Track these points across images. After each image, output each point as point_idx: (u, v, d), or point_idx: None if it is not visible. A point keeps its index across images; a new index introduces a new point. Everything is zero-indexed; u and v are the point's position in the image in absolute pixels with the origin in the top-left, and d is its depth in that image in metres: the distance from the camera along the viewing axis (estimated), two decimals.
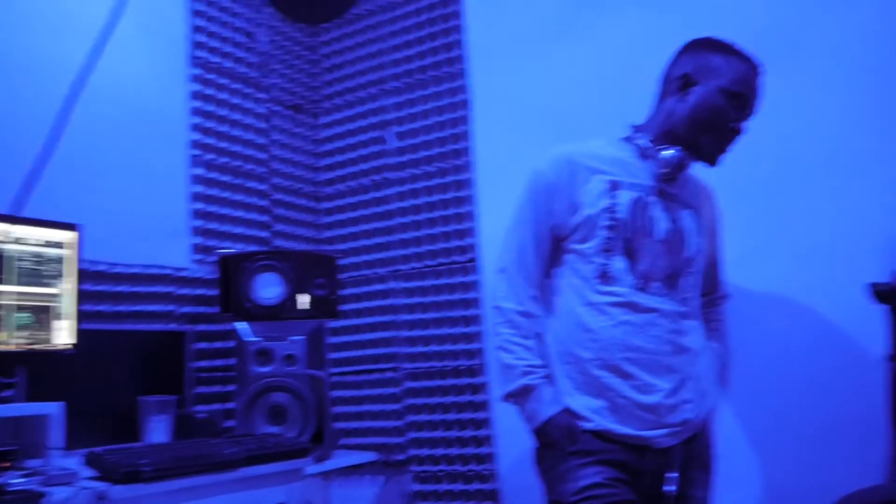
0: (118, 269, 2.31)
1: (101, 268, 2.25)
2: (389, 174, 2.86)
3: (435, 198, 2.74)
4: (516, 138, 2.58)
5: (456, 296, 2.65)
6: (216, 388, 2.52)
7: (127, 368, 2.20)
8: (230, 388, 2.54)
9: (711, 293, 1.86)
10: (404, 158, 2.83)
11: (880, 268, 1.94)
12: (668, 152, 1.60)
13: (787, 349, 2.05)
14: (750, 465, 2.10)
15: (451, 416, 2.62)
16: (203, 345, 2.52)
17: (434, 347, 2.68)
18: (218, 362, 2.55)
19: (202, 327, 2.52)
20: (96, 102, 2.31)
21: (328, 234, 3.03)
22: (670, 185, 1.65)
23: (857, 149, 2.00)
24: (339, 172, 3.01)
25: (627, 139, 1.70)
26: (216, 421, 2.20)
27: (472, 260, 2.64)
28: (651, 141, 1.65)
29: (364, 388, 2.82)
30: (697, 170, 1.74)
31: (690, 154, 1.63)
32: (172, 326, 2.41)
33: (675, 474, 1.52)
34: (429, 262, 2.73)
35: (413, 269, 2.76)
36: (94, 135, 2.29)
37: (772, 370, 2.07)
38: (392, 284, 2.81)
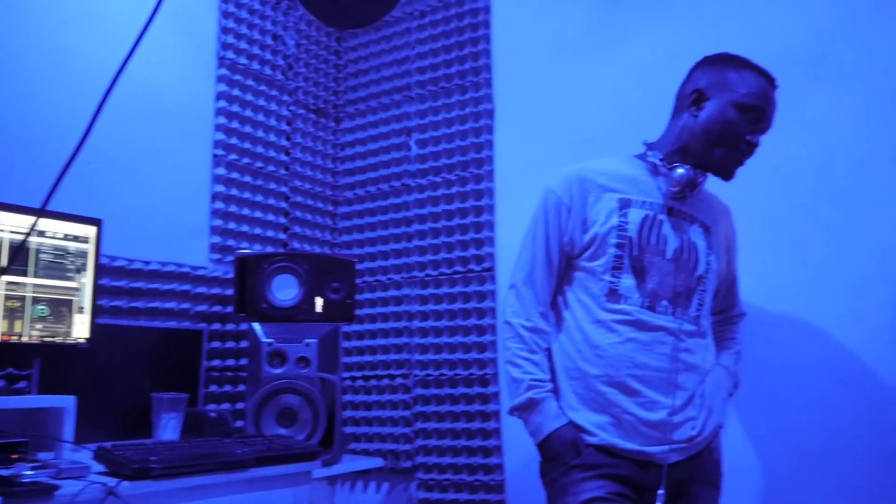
0: (136, 266, 2.33)
1: (119, 263, 2.27)
2: (409, 181, 2.86)
3: (454, 206, 2.73)
4: (537, 150, 2.58)
5: (471, 305, 2.65)
6: (227, 388, 2.53)
7: (140, 365, 2.21)
8: (241, 388, 2.55)
9: (727, 311, 1.86)
10: (425, 165, 2.83)
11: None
12: (680, 170, 1.60)
13: (800, 369, 2.04)
14: (755, 483, 2.08)
15: (460, 425, 2.61)
16: (216, 344, 2.53)
17: (446, 355, 2.67)
18: (230, 362, 2.56)
19: (217, 326, 2.53)
20: (123, 99, 2.32)
21: (345, 238, 3.04)
22: (683, 202, 1.64)
23: (878, 170, 1.98)
24: (359, 177, 3.02)
25: (640, 156, 1.70)
26: (227, 421, 2.20)
27: (488, 269, 2.63)
28: (663, 158, 1.65)
29: (375, 394, 2.82)
30: (714, 187, 1.73)
31: (704, 170, 1.63)
32: (187, 325, 2.43)
33: (662, 491, 1.51)
34: (445, 270, 2.73)
35: (429, 276, 2.76)
36: (119, 130, 2.31)
37: (784, 390, 2.06)
38: (407, 291, 2.81)
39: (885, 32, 2.02)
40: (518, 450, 2.48)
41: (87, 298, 1.92)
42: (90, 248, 1.94)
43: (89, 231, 1.94)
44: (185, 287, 2.46)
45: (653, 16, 2.40)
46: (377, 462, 2.66)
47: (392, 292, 2.85)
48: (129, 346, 2.20)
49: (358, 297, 2.85)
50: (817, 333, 2.03)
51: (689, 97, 1.64)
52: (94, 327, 1.94)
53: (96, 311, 1.96)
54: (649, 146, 1.70)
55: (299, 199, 2.91)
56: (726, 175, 1.63)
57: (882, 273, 1.95)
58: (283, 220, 2.85)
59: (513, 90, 2.70)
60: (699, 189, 1.65)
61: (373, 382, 2.83)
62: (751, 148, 1.60)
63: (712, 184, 1.70)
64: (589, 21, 2.55)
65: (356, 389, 2.87)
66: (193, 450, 1.66)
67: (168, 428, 2.02)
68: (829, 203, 2.04)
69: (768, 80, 1.61)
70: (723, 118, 1.58)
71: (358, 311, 2.84)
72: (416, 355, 2.74)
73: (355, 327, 2.89)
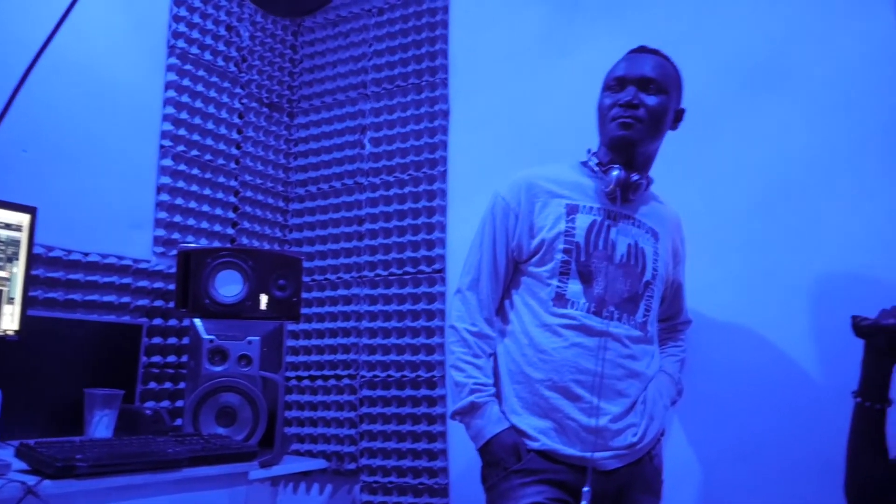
0: (74, 257, 2.24)
1: (56, 254, 2.19)
2: (362, 179, 2.83)
3: (406, 206, 2.71)
4: (491, 152, 2.56)
5: (420, 306, 2.62)
6: (167, 385, 2.46)
7: (75, 359, 2.13)
8: (181, 385, 2.48)
9: (673, 319, 1.87)
10: (378, 164, 2.79)
11: (842, 301, 1.95)
12: (615, 171, 1.61)
13: (745, 378, 2.05)
14: (696, 490, 2.08)
15: (405, 428, 2.58)
16: (157, 340, 2.46)
17: (394, 357, 2.64)
18: (171, 359, 2.49)
19: (158, 322, 2.46)
20: (66, 84, 2.26)
21: (295, 235, 2.98)
22: (630, 208, 1.65)
23: (828, 179, 2.01)
24: (311, 174, 2.97)
25: (584, 163, 1.71)
26: (163, 419, 2.14)
27: (438, 271, 2.61)
28: (598, 163, 1.66)
29: (320, 394, 2.78)
30: (663, 191, 1.74)
31: (625, 158, 1.63)
32: (126, 319, 2.35)
33: (588, 489, 1.49)
34: (395, 271, 2.70)
35: (379, 276, 2.73)
36: (62, 117, 2.24)
37: (728, 398, 2.07)
38: (356, 290, 2.77)
39: (836, 37, 2.04)
40: (463, 454, 2.46)
41: (17, 289, 1.85)
42: (23, 236, 1.87)
43: (23, 219, 1.87)
44: (126, 280, 2.38)
45: (609, 20, 2.41)
46: (320, 463, 2.62)
47: (341, 291, 2.80)
48: (64, 339, 2.11)
49: (306, 295, 2.81)
50: (756, 340, 2.05)
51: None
52: (25, 319, 1.86)
53: (28, 302, 1.88)
54: (592, 153, 1.71)
55: (249, 193, 2.85)
56: (620, 139, 1.62)
57: (823, 278, 1.98)
58: (231, 214, 2.79)
59: (468, 91, 2.68)
60: (641, 192, 1.66)
61: (319, 382, 2.79)
62: (625, 107, 1.61)
63: (663, 189, 1.70)
64: (546, 24, 2.54)
65: (302, 389, 2.82)
66: (123, 448, 1.61)
67: (100, 425, 1.95)
68: (767, 211, 2.06)
69: (632, 53, 1.69)
70: (600, 101, 1.68)
71: (306, 310, 2.80)
72: (363, 356, 2.70)
73: (303, 326, 2.84)
